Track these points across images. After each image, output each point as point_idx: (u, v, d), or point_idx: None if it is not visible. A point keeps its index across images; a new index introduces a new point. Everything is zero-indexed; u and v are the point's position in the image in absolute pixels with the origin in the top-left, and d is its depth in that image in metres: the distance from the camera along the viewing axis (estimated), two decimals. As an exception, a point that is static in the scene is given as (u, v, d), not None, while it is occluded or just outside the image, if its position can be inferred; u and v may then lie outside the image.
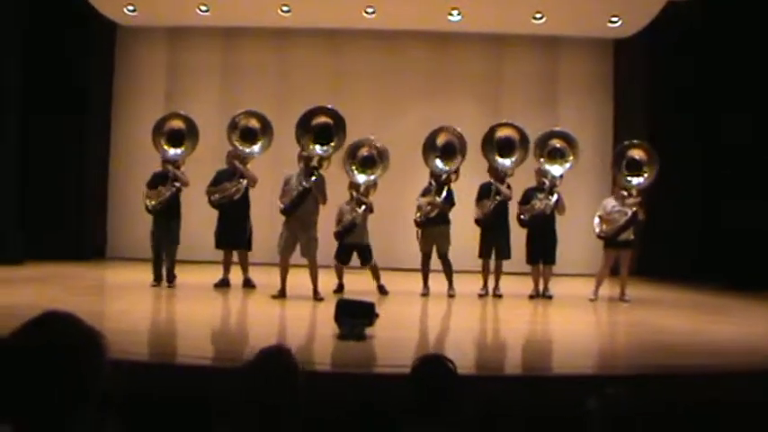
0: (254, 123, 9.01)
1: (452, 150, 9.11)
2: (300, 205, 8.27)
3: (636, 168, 9.11)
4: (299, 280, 8.30)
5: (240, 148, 8.97)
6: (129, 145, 12.16)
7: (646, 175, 9.07)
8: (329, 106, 8.70)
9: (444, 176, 9.12)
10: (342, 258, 9.18)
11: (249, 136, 8.98)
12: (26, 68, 11.00)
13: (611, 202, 9.29)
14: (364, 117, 11.24)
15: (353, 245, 9.15)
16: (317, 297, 8.26)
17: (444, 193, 9.04)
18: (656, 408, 3.95)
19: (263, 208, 9.67)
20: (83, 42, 11.86)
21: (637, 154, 9.19)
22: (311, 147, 8.35)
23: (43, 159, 11.50)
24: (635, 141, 9.54)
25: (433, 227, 9.07)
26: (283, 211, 8.40)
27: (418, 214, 9.11)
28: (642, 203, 9.14)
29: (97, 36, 12.22)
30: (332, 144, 8.39)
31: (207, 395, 3.87)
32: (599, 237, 9.29)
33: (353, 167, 9.11)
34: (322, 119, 8.47)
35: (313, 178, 8.23)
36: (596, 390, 2.57)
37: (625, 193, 9.15)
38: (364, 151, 9.16)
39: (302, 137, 8.39)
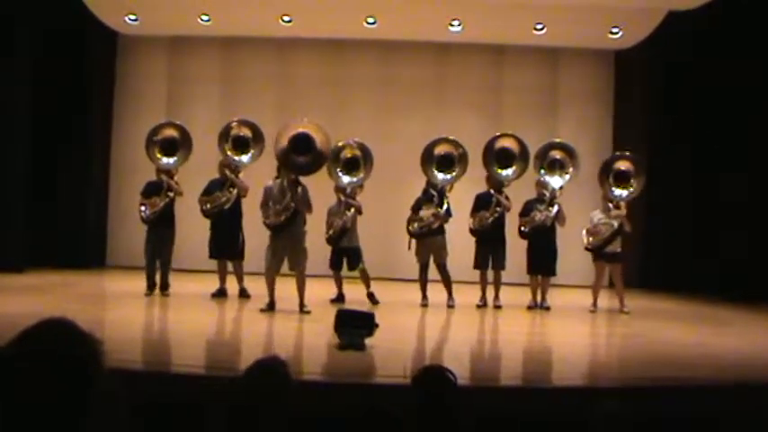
0: (246, 132, 8.93)
1: (450, 161, 9.06)
2: (291, 223, 8.10)
3: (623, 180, 9.10)
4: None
5: (232, 157, 8.90)
6: (129, 152, 12.14)
7: (632, 187, 9.07)
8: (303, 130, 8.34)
9: (446, 187, 9.08)
10: (334, 264, 9.09)
11: (241, 145, 8.90)
12: (27, 76, 11.00)
13: (597, 215, 9.27)
14: (364, 127, 11.26)
15: (344, 249, 9.06)
16: (302, 310, 7.99)
17: (446, 205, 9.00)
18: (657, 420, 3.93)
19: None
20: (84, 50, 11.88)
21: (624, 165, 9.19)
22: (291, 156, 8.13)
23: (44, 167, 11.49)
24: (617, 153, 9.64)
25: (428, 237, 8.99)
26: (271, 228, 8.21)
27: (415, 225, 9.02)
28: (628, 216, 9.13)
29: (98, 44, 12.24)
30: (313, 165, 8.19)
31: (201, 403, 3.84)
32: (586, 249, 9.29)
33: (338, 170, 9.00)
34: (300, 131, 8.25)
35: (299, 189, 8.10)
36: (597, 401, 2.55)
37: (611, 206, 9.14)
38: (347, 153, 9.05)
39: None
